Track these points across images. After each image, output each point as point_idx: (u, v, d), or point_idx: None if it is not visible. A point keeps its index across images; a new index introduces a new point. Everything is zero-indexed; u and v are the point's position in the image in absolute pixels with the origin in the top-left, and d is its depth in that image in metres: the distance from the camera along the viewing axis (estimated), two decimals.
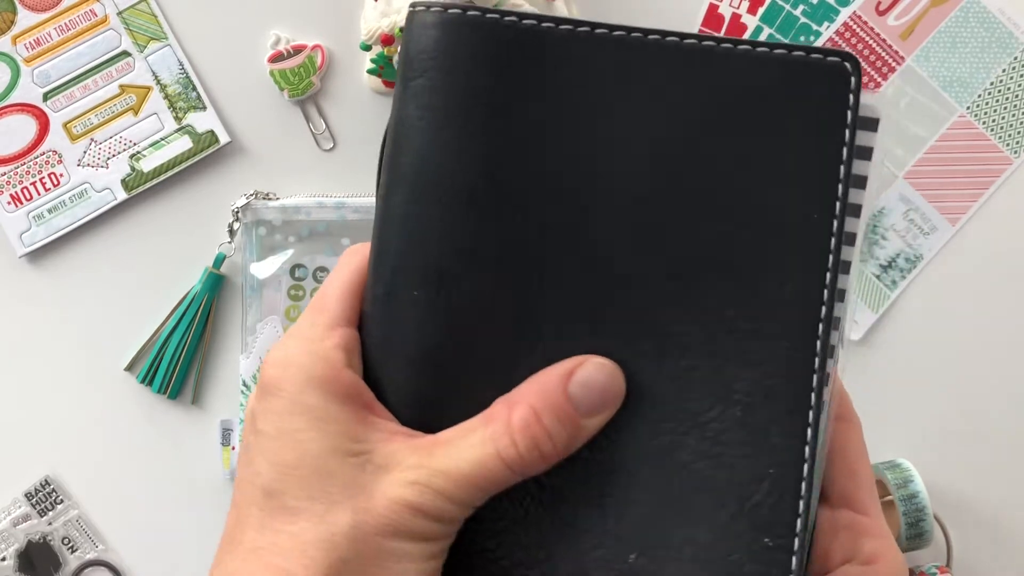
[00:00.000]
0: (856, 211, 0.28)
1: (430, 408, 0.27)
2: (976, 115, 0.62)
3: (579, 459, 0.27)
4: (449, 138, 0.28)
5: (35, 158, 0.60)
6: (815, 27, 0.61)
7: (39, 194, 0.60)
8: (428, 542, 0.24)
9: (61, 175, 0.60)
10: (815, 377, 0.27)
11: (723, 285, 0.27)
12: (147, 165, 0.60)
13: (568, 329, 0.28)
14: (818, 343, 0.27)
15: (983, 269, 0.62)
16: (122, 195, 0.60)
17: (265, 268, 0.58)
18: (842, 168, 0.27)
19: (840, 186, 0.27)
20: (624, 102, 0.28)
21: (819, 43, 0.62)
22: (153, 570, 0.60)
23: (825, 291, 0.27)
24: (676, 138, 0.28)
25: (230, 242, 0.60)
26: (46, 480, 0.60)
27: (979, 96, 0.62)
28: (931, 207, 0.62)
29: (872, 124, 0.27)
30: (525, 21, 0.29)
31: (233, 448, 0.59)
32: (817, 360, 0.27)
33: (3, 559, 0.59)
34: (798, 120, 0.27)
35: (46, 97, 0.60)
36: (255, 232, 0.59)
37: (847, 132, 0.27)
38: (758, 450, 0.26)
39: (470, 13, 0.30)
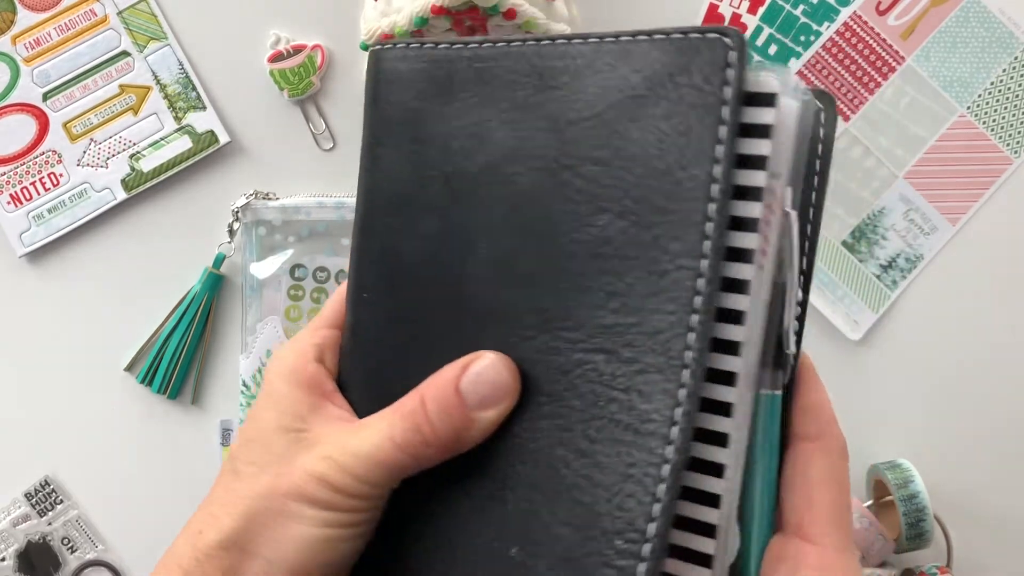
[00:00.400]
0: (755, 194, 0.25)
1: (376, 400, 0.30)
2: (976, 115, 0.62)
3: (477, 451, 0.28)
4: (369, 165, 0.33)
5: (35, 158, 0.60)
6: (815, 27, 0.61)
7: (39, 194, 0.60)
8: (329, 511, 0.28)
9: (61, 175, 0.60)
10: (686, 372, 0.25)
11: (605, 282, 0.27)
12: (147, 165, 0.60)
13: (475, 327, 0.29)
14: (689, 339, 0.25)
15: (983, 269, 0.62)
16: (122, 195, 0.60)
17: (265, 268, 0.58)
18: (720, 147, 0.25)
19: (719, 167, 0.25)
20: (518, 111, 0.30)
21: (819, 43, 0.62)
22: (152, 570, 0.60)
23: (701, 279, 0.25)
24: (568, 136, 0.28)
25: (230, 242, 0.60)
26: (46, 480, 0.60)
27: (979, 96, 0.62)
28: (931, 207, 0.62)
29: (768, 99, 0.25)
30: (421, 47, 0.32)
31: None
32: (690, 355, 0.25)
33: (3, 559, 0.59)
34: (680, 103, 0.26)
35: (46, 97, 0.60)
36: (255, 232, 0.59)
37: (725, 108, 0.25)
38: (625, 449, 0.25)
39: (383, 48, 0.33)
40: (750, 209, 0.25)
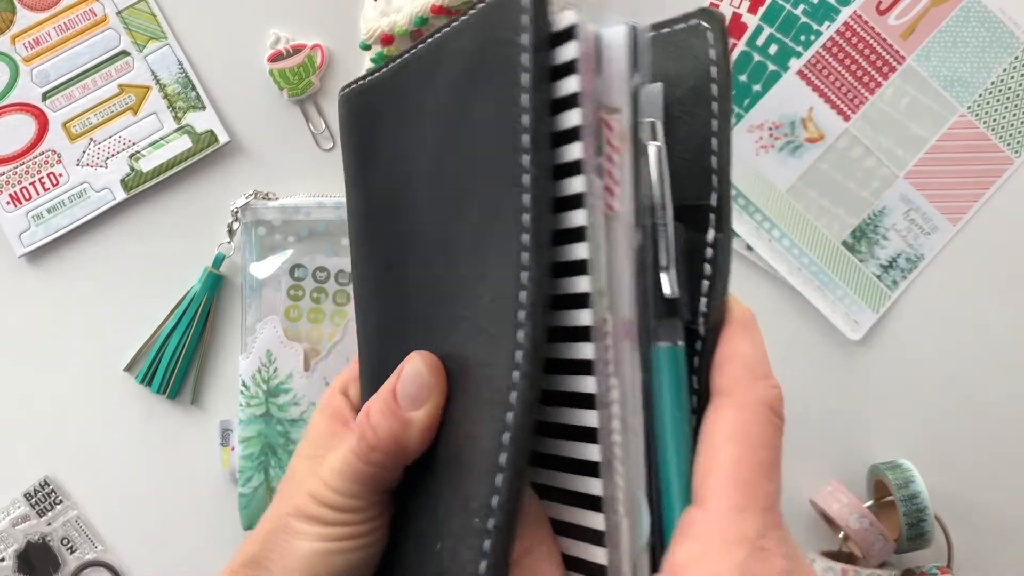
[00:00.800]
0: (576, 134, 0.23)
1: None
2: (977, 115, 0.62)
3: (432, 452, 0.28)
4: (347, 202, 0.35)
5: (34, 158, 0.60)
6: (816, 26, 0.61)
7: (38, 194, 0.60)
8: (324, 526, 0.30)
9: (60, 175, 0.60)
10: (521, 333, 0.23)
11: (478, 265, 0.26)
12: (146, 165, 0.60)
13: (417, 335, 0.30)
14: (521, 297, 0.23)
15: (984, 269, 0.62)
16: (121, 195, 0.60)
17: (265, 268, 0.58)
18: (525, 95, 0.23)
19: (526, 115, 0.23)
20: (410, 124, 0.30)
21: (820, 43, 0.61)
22: (152, 571, 0.60)
23: (525, 235, 0.23)
24: (439, 132, 0.28)
25: (229, 242, 0.60)
26: (45, 481, 0.60)
27: (980, 96, 0.62)
28: (932, 207, 0.62)
29: (568, 34, 0.23)
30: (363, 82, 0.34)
31: (232, 448, 0.59)
32: (523, 314, 0.23)
33: (2, 560, 0.59)
34: (496, 64, 0.25)
35: (45, 97, 0.60)
36: (254, 232, 0.59)
37: (525, 55, 0.23)
38: (488, 423, 0.24)
39: (346, 91, 0.35)
40: (572, 152, 0.24)
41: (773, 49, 0.61)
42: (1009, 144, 0.62)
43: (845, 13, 0.61)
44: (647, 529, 0.24)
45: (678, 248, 0.25)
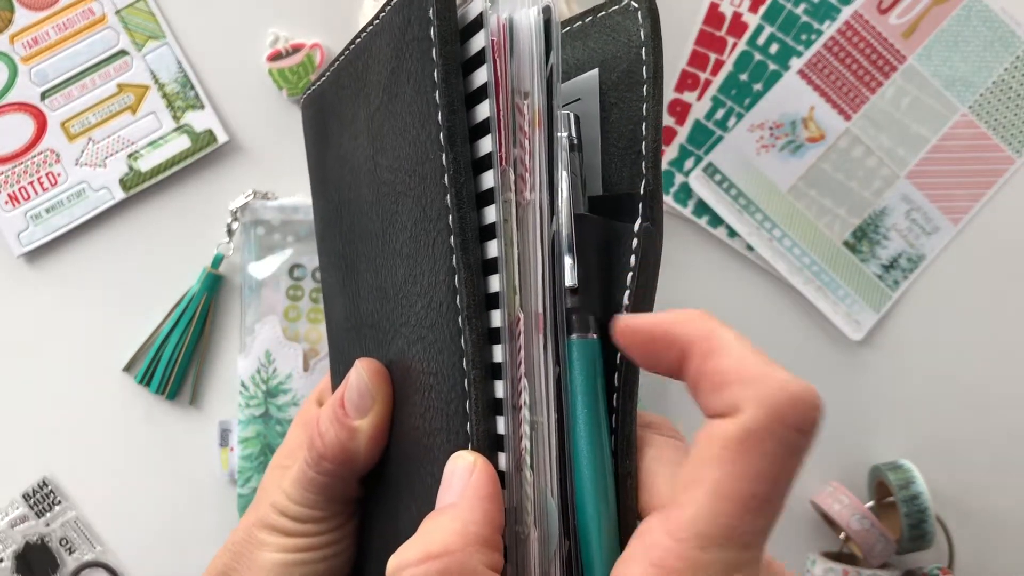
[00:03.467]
0: (483, 129, 0.22)
1: None
2: (978, 114, 0.62)
3: (382, 462, 0.28)
4: (312, 194, 0.35)
5: (32, 157, 0.60)
6: (816, 25, 0.61)
7: (36, 193, 0.60)
8: (286, 536, 0.30)
9: (59, 174, 0.60)
10: (462, 338, 0.22)
11: (412, 271, 0.25)
12: (145, 164, 0.60)
13: (366, 342, 0.30)
14: (459, 301, 0.23)
15: (986, 269, 0.62)
16: (120, 195, 0.60)
17: (263, 268, 0.58)
18: (436, 92, 0.22)
19: (442, 112, 0.22)
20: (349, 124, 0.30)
21: (820, 42, 0.61)
22: (151, 571, 0.60)
23: (453, 237, 0.22)
24: (373, 133, 0.27)
25: (228, 242, 0.59)
26: (44, 481, 0.60)
27: (981, 95, 0.62)
28: (933, 207, 0.62)
29: (477, 25, 0.23)
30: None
31: (231, 449, 0.59)
32: (461, 319, 0.22)
33: (1, 561, 0.59)
34: (412, 60, 0.24)
35: (44, 96, 0.60)
36: (253, 232, 0.58)
37: (434, 49, 0.22)
38: (444, 432, 0.24)
39: (306, 94, 0.35)
40: (485, 145, 0.23)
41: (774, 48, 0.61)
42: (1011, 144, 0.62)
43: (846, 12, 0.61)
44: (556, 536, 0.23)
45: (593, 237, 0.24)
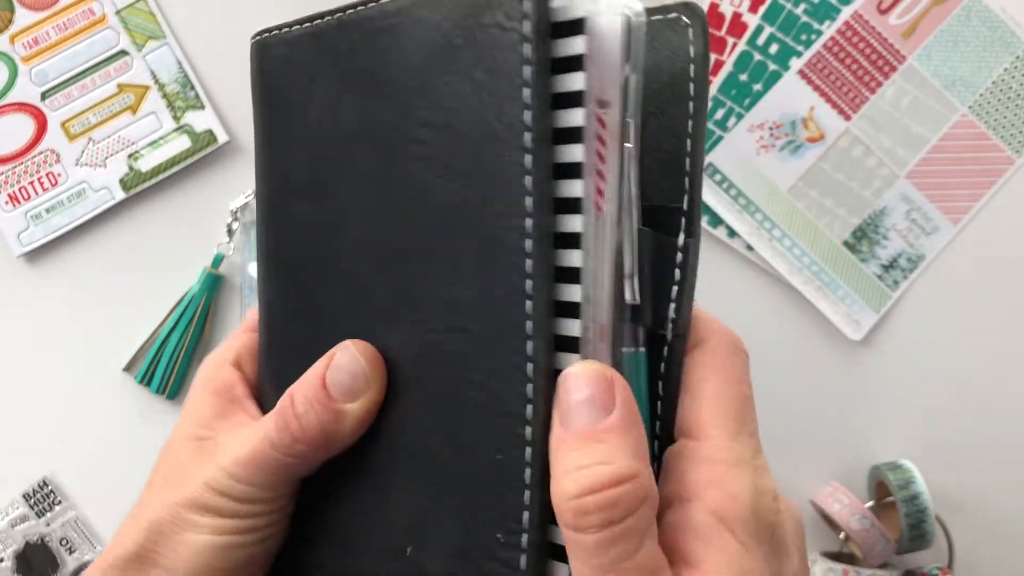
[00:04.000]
0: (577, 135, 0.22)
1: (272, 398, 0.29)
2: (978, 114, 0.62)
3: (361, 447, 0.27)
4: (258, 161, 0.32)
5: (33, 157, 0.60)
6: (816, 26, 0.61)
7: (37, 194, 0.60)
8: (223, 518, 0.27)
9: (59, 175, 0.60)
10: (530, 345, 0.22)
11: (447, 255, 0.25)
12: (145, 164, 0.60)
13: (352, 317, 0.28)
14: (528, 307, 0.23)
15: (985, 269, 0.62)
16: (120, 195, 0.60)
17: None
18: (527, 90, 0.22)
19: (528, 112, 0.22)
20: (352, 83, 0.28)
21: (820, 42, 0.61)
22: None
23: (528, 240, 0.22)
24: (400, 101, 0.26)
25: (228, 242, 0.59)
26: (44, 481, 0.60)
27: (981, 95, 0.62)
28: (933, 207, 0.62)
29: (576, 26, 0.22)
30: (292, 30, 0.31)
31: None
32: (531, 325, 0.22)
33: (1, 560, 0.59)
34: (486, 46, 0.23)
35: (44, 96, 0.60)
36: (254, 232, 0.58)
37: (527, 45, 0.22)
38: (489, 435, 0.24)
39: (262, 39, 0.32)
40: (573, 153, 0.22)
41: (774, 48, 0.61)
42: (1010, 144, 0.62)
43: (846, 12, 0.61)
44: None
45: (648, 252, 0.24)
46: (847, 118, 0.61)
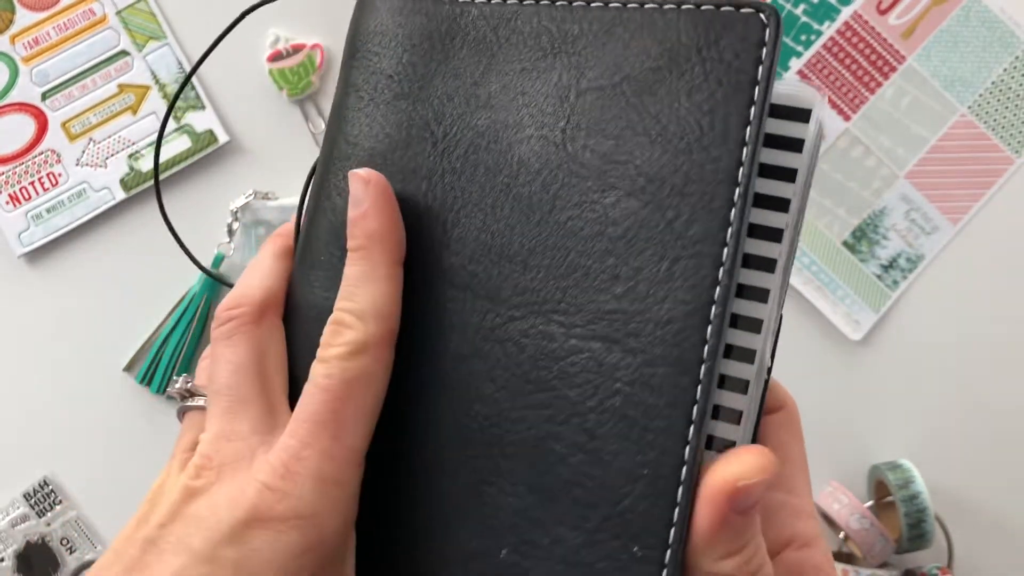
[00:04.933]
0: (781, 204, 0.24)
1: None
2: (978, 114, 0.62)
3: (451, 439, 0.27)
4: (342, 118, 0.30)
5: (33, 158, 0.60)
6: (816, 26, 0.61)
7: (37, 194, 0.60)
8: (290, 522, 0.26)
9: (60, 175, 0.60)
10: (704, 368, 0.23)
11: (608, 265, 0.25)
12: (146, 165, 0.60)
13: (455, 299, 0.27)
14: (707, 332, 0.24)
15: (985, 269, 0.62)
16: (121, 195, 0.60)
17: None
18: (749, 129, 0.24)
19: (747, 149, 0.24)
20: (539, 70, 0.28)
21: (820, 42, 0.61)
22: None
23: (721, 269, 0.24)
24: (579, 106, 0.27)
25: (229, 242, 0.60)
26: (44, 481, 0.60)
27: (980, 95, 0.62)
28: (932, 207, 0.62)
29: (802, 115, 0.24)
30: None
31: None
32: (707, 349, 0.24)
33: (2, 560, 0.59)
34: (707, 79, 0.24)
35: (44, 96, 0.60)
36: (254, 232, 0.58)
37: (757, 88, 0.24)
38: (634, 447, 0.24)
39: None
40: (781, 189, 0.25)
41: None
42: (1010, 144, 0.62)
43: (845, 13, 0.61)
44: None
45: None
46: (847, 118, 0.61)
